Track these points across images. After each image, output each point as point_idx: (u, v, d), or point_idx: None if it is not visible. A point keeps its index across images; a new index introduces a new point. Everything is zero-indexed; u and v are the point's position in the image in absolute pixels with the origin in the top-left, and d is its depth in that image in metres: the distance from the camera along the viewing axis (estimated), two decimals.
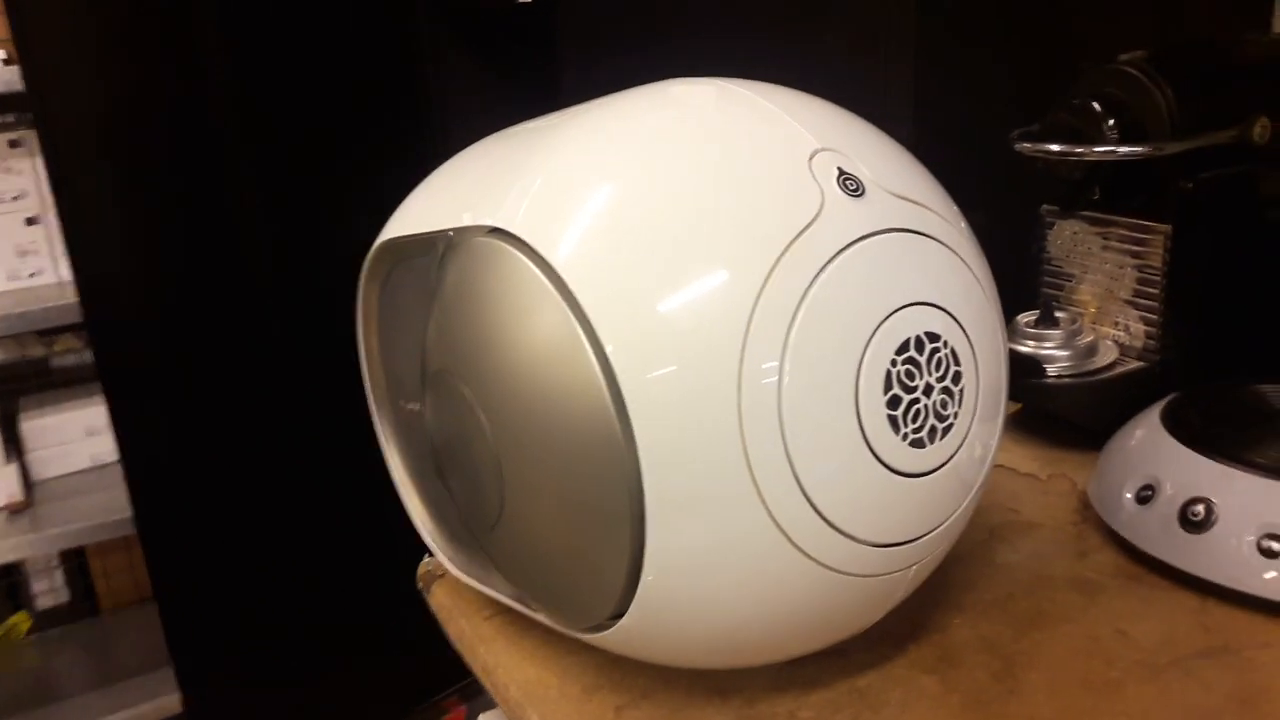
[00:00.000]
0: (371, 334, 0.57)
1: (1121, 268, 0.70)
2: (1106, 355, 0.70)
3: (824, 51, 0.91)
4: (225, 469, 1.39)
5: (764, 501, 0.38)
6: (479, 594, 0.55)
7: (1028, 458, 0.70)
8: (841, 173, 0.40)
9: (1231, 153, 0.67)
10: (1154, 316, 0.68)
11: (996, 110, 0.76)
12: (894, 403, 0.39)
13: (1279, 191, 0.68)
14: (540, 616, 0.47)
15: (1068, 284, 0.74)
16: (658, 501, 0.37)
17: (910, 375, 0.39)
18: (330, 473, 1.43)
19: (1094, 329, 0.72)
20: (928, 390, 0.40)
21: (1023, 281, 0.76)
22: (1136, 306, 0.69)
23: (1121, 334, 0.71)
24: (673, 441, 0.37)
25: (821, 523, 0.39)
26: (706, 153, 0.41)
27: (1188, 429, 0.58)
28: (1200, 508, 0.53)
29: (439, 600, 0.59)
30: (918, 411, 0.39)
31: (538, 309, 0.39)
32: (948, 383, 0.40)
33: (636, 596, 0.39)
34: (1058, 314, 0.71)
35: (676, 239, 0.39)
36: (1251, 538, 0.51)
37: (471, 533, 0.48)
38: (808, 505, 0.38)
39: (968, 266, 0.42)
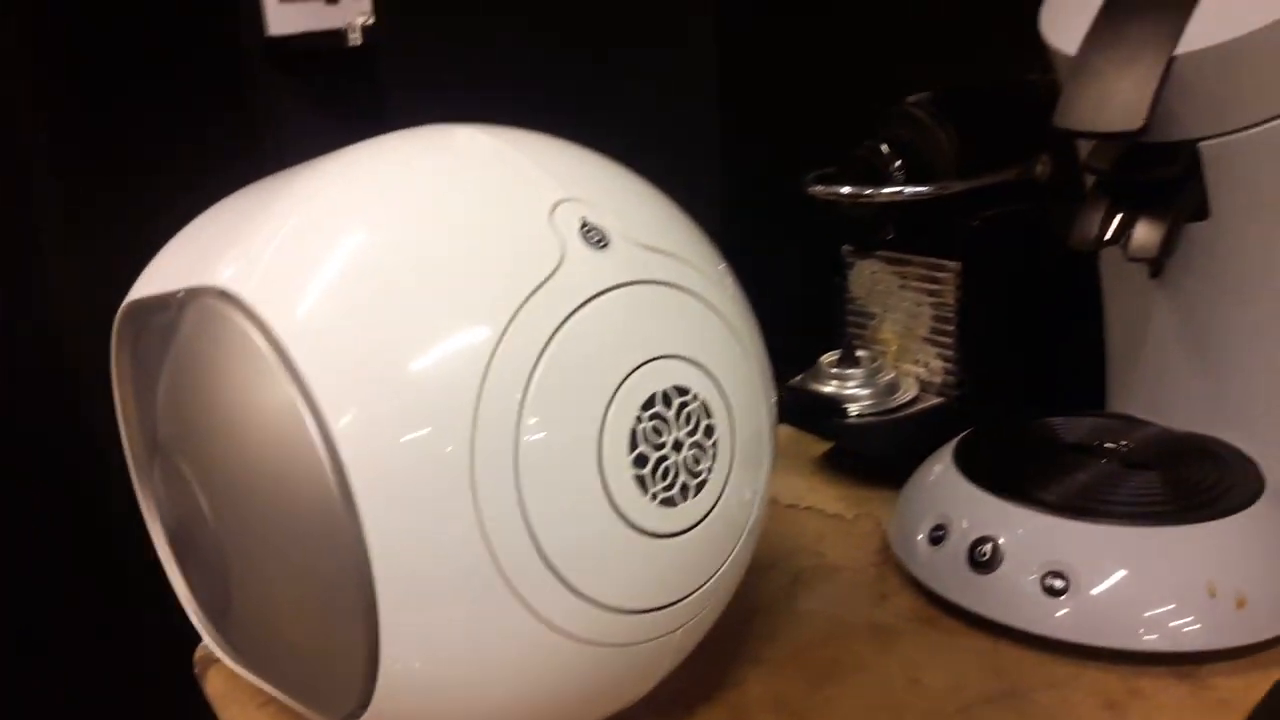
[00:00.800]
0: (127, 399, 0.53)
1: (919, 305, 0.70)
2: (908, 393, 0.70)
3: (634, 99, 0.91)
4: None
5: (504, 576, 0.35)
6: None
7: (835, 498, 0.69)
8: (585, 224, 0.39)
9: (1018, 190, 0.68)
10: (950, 353, 0.69)
11: (804, 153, 0.76)
12: (640, 461, 0.37)
13: (1063, 227, 0.70)
14: (294, 705, 0.44)
15: (870, 323, 0.74)
16: (389, 583, 0.35)
17: (658, 431, 0.37)
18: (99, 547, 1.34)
19: (895, 367, 0.72)
20: (677, 446, 0.38)
21: (832, 322, 0.76)
22: (934, 343, 0.70)
23: (922, 370, 0.71)
24: (401, 515, 0.34)
25: (570, 594, 0.36)
26: (442, 205, 0.39)
27: (978, 466, 0.58)
28: (987, 547, 0.53)
29: (214, 688, 0.55)
30: (667, 469, 0.38)
31: (259, 381, 0.36)
32: (699, 437, 0.39)
33: (377, 688, 0.36)
34: (859, 353, 0.71)
35: (407, 297, 0.36)
36: (1035, 576, 0.51)
37: (210, 620, 0.44)
38: (553, 576, 0.36)
39: (721, 317, 0.41)
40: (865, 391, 0.69)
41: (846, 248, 0.74)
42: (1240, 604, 0.49)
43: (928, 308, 0.70)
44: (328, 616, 0.36)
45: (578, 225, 0.38)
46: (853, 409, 0.69)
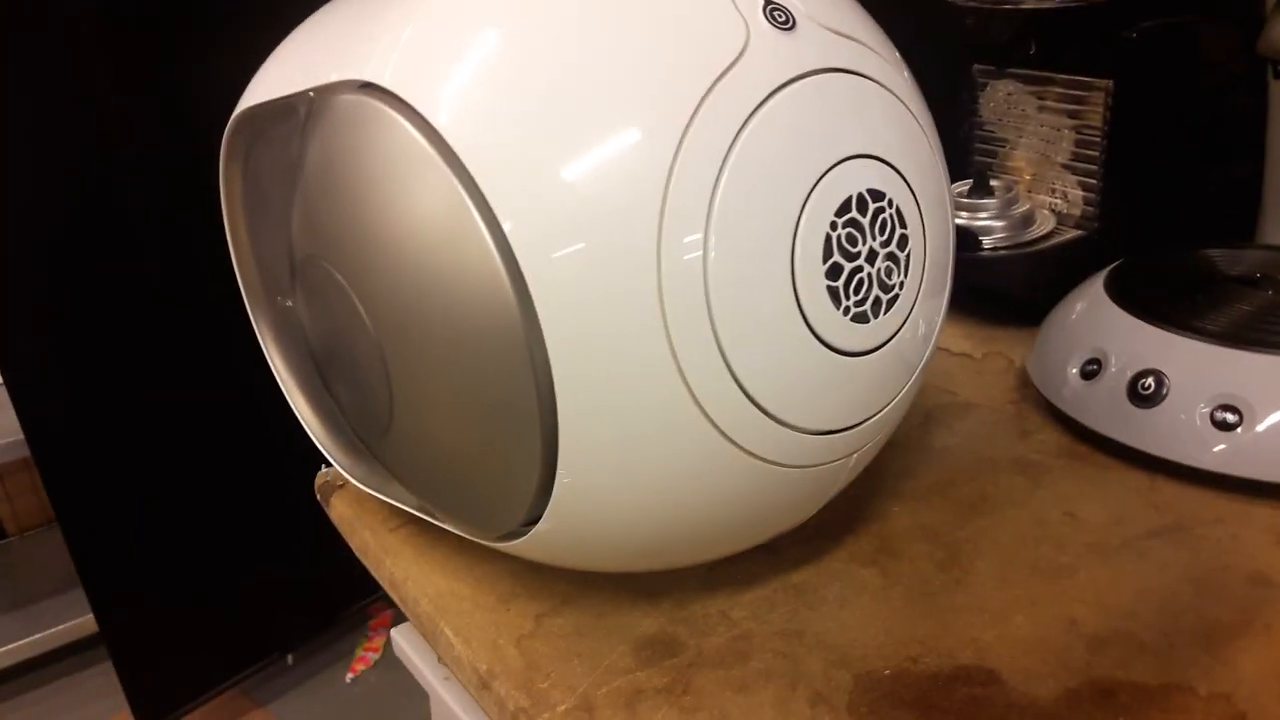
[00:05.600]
0: (239, 222, 0.50)
1: (1059, 130, 0.66)
2: (1044, 225, 0.66)
3: None
4: (111, 379, 1.30)
5: (690, 389, 0.33)
6: (383, 503, 0.51)
7: (960, 336, 0.66)
8: (768, 1, 0.35)
9: (1174, 2, 0.62)
10: (1093, 181, 0.64)
11: None
12: (834, 272, 0.34)
13: (1220, 47, 0.64)
14: (448, 525, 0.43)
15: (1001, 150, 0.70)
16: (570, 394, 0.32)
17: (852, 240, 0.34)
18: (222, 378, 1.35)
19: (1030, 197, 0.68)
20: (871, 257, 0.35)
21: (953, 150, 0.72)
22: (1075, 171, 0.65)
23: (1059, 201, 0.67)
24: (584, 326, 0.32)
25: (756, 410, 0.34)
26: None
27: (1134, 298, 0.54)
28: (1150, 380, 0.50)
29: (339, 513, 0.54)
30: (860, 281, 0.35)
31: (418, 178, 0.33)
32: (893, 248, 0.35)
33: (552, 500, 0.35)
34: (992, 183, 0.67)
35: (575, 89, 0.33)
36: (1205, 409, 0.48)
37: (363, 441, 0.42)
38: (740, 392, 0.33)
39: (913, 115, 0.37)
40: (1000, 223, 0.65)
41: (979, 66, 0.69)
42: None
43: (1069, 132, 0.65)
44: (502, 425, 0.34)
45: (761, 2, 0.34)
46: (986, 241, 0.65)
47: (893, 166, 0.35)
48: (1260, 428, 0.47)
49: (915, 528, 0.48)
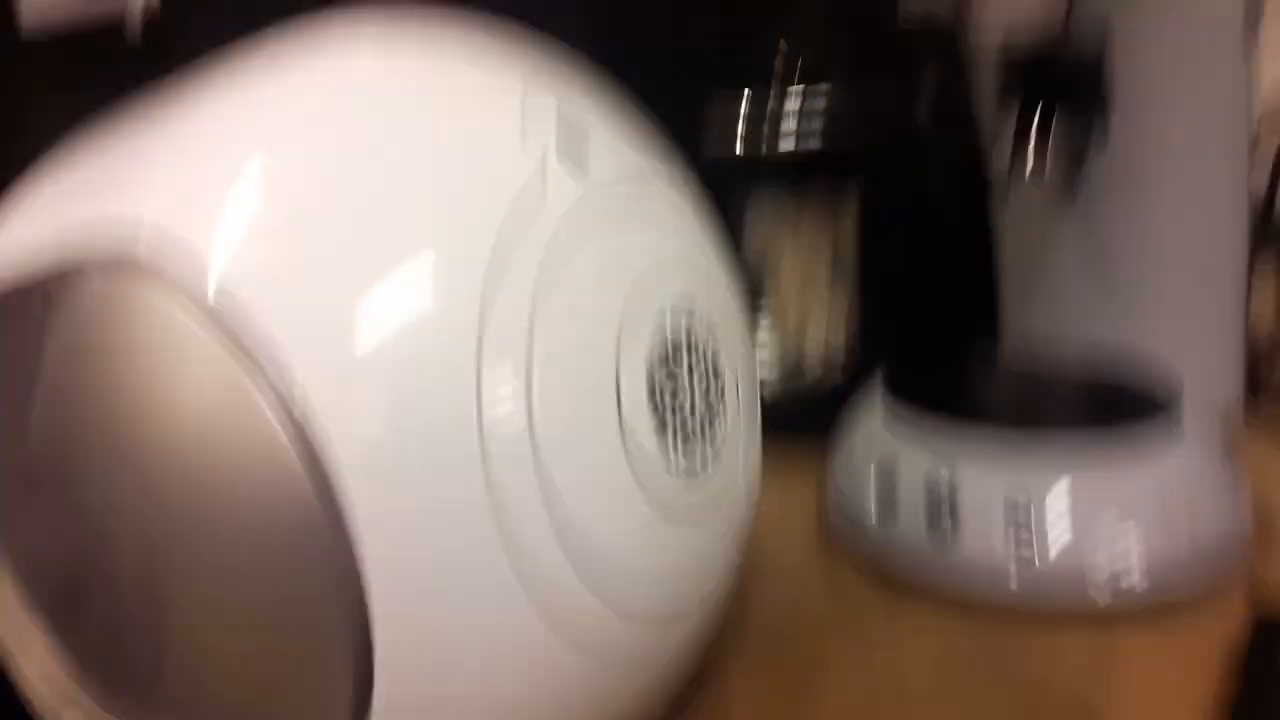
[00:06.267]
0: None
1: (818, 247, 0.67)
2: (812, 352, 0.67)
3: None
4: None
5: (521, 579, 0.29)
6: None
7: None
8: (562, 123, 0.33)
9: (912, 115, 0.67)
10: (853, 290, 0.66)
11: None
12: (658, 416, 0.32)
13: (954, 171, 0.70)
14: None
15: (767, 275, 0.70)
16: (386, 602, 0.28)
17: (672, 378, 0.32)
18: None
19: (799, 329, 0.69)
20: (691, 399, 0.33)
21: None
22: (833, 285, 0.67)
23: (825, 328, 0.68)
24: (402, 518, 0.28)
25: (597, 602, 0.31)
26: (389, 114, 0.32)
27: (910, 405, 0.55)
28: (943, 487, 0.50)
29: None
30: (687, 435, 0.33)
31: (188, 362, 0.29)
32: (712, 396, 0.34)
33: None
34: (761, 314, 0.68)
35: (365, 230, 0.29)
36: (999, 532, 0.49)
37: (109, 683, 0.35)
38: (570, 566, 0.30)
39: (711, 260, 0.36)
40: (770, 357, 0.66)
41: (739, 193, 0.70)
42: (1194, 539, 0.49)
43: (826, 248, 0.67)
44: (306, 647, 0.29)
45: (555, 126, 0.32)
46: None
47: (700, 312, 0.34)
48: (1047, 542, 0.48)
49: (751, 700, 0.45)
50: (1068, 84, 0.56)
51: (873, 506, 0.53)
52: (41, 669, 0.41)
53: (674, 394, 0.32)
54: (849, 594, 0.53)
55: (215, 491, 0.28)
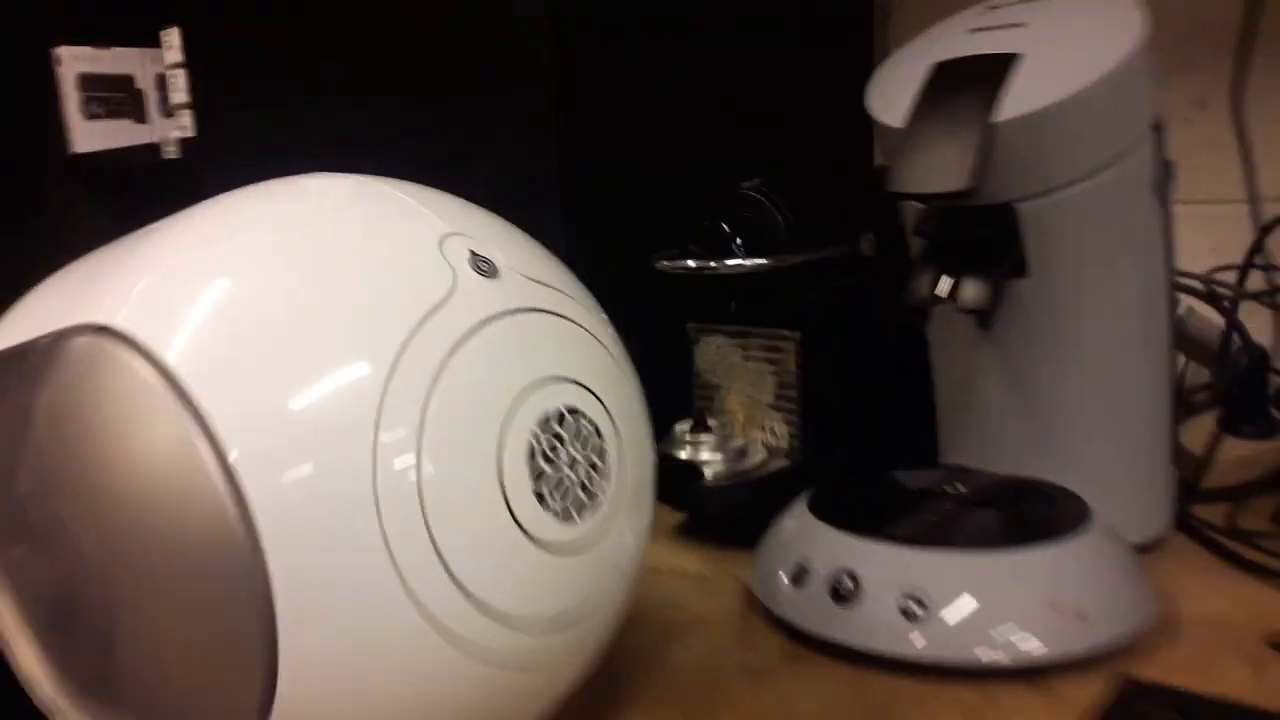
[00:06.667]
0: None
1: (762, 375, 0.74)
2: (756, 456, 0.73)
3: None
4: None
5: (414, 597, 0.35)
6: None
7: (695, 560, 0.71)
8: (473, 255, 0.40)
9: (848, 265, 0.74)
10: (794, 417, 0.73)
11: (650, 234, 0.80)
12: (539, 476, 0.38)
13: (887, 299, 0.76)
14: None
15: (717, 394, 0.78)
16: (292, 616, 0.34)
17: (554, 449, 0.39)
18: None
19: (744, 433, 0.75)
20: (573, 464, 0.39)
21: (682, 395, 0.80)
22: (779, 409, 0.74)
23: (769, 436, 0.75)
24: (305, 544, 0.34)
25: (478, 613, 0.37)
26: (330, 238, 0.40)
27: (832, 513, 0.61)
28: (848, 579, 0.56)
29: None
30: (563, 483, 0.39)
31: (148, 414, 0.36)
32: (592, 455, 0.40)
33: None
34: (710, 422, 0.75)
35: (297, 327, 0.37)
36: (893, 603, 0.54)
37: (83, 690, 0.42)
38: (460, 594, 0.36)
39: (605, 348, 0.43)
40: (719, 457, 0.72)
41: (692, 324, 0.78)
42: (1080, 617, 0.53)
43: (770, 376, 0.74)
44: (225, 651, 0.35)
45: (467, 256, 0.40)
46: (708, 472, 0.71)
47: (587, 388, 0.41)
48: (942, 616, 0.53)
49: None
50: (977, 229, 0.62)
51: (788, 576, 0.59)
52: (31, 671, 0.47)
53: (554, 452, 0.39)
54: (761, 647, 0.58)
55: (162, 518, 0.35)
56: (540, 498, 0.38)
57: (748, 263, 0.70)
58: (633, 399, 0.45)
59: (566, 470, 0.39)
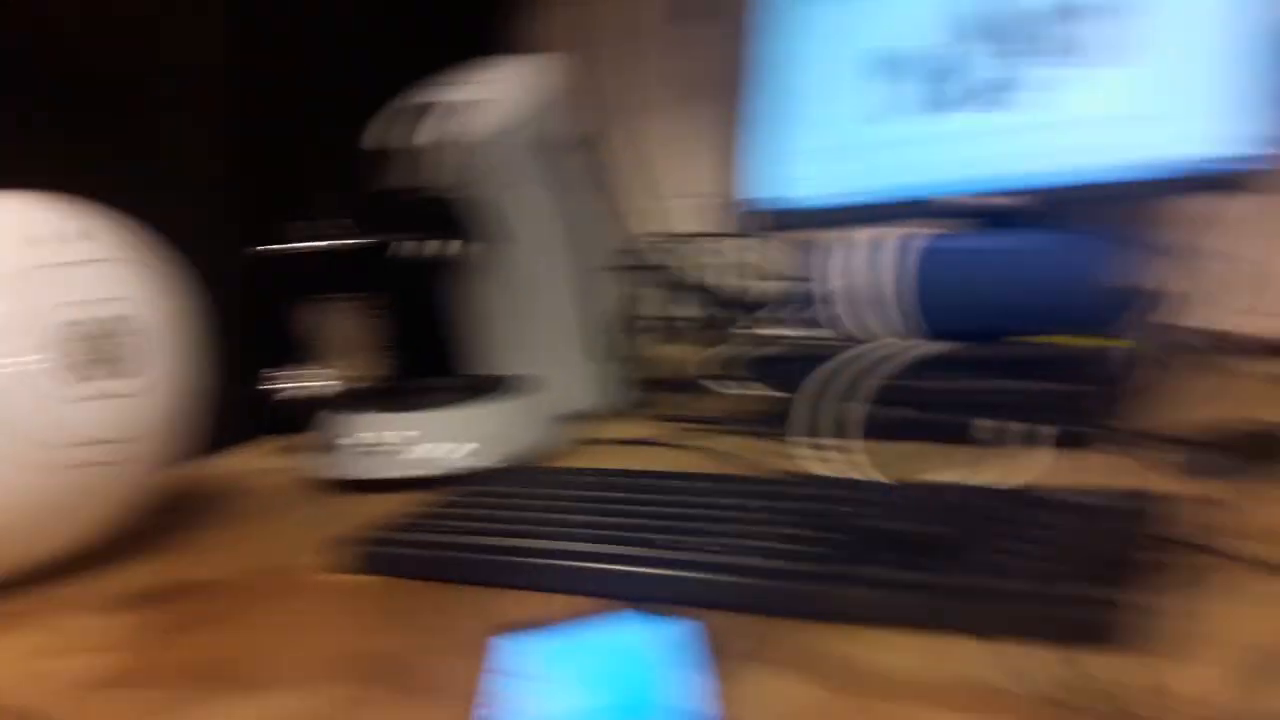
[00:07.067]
0: None
1: (355, 327, 1.04)
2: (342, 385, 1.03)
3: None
4: None
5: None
6: None
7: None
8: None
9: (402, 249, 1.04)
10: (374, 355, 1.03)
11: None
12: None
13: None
14: None
15: (324, 344, 1.06)
16: None
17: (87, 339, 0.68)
18: None
19: (341, 370, 1.05)
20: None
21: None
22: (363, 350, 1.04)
23: (355, 370, 1.04)
24: None
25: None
26: None
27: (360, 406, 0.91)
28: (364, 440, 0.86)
29: None
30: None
31: None
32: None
33: None
34: (314, 363, 1.04)
35: None
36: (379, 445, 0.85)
37: None
38: None
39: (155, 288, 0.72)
40: (318, 386, 1.02)
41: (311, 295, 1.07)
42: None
43: (359, 328, 1.03)
44: None
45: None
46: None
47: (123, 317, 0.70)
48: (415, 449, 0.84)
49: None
50: (430, 209, 0.95)
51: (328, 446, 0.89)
52: None
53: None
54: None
55: None
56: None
57: (322, 245, 1.00)
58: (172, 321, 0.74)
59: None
